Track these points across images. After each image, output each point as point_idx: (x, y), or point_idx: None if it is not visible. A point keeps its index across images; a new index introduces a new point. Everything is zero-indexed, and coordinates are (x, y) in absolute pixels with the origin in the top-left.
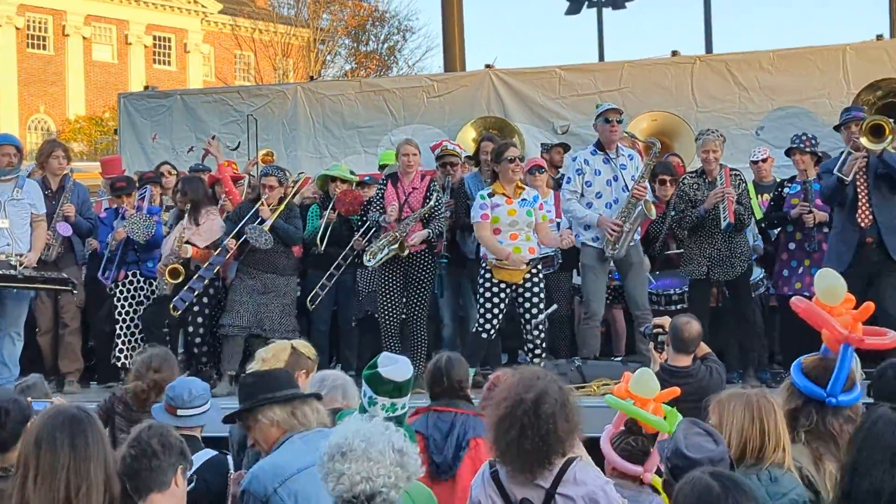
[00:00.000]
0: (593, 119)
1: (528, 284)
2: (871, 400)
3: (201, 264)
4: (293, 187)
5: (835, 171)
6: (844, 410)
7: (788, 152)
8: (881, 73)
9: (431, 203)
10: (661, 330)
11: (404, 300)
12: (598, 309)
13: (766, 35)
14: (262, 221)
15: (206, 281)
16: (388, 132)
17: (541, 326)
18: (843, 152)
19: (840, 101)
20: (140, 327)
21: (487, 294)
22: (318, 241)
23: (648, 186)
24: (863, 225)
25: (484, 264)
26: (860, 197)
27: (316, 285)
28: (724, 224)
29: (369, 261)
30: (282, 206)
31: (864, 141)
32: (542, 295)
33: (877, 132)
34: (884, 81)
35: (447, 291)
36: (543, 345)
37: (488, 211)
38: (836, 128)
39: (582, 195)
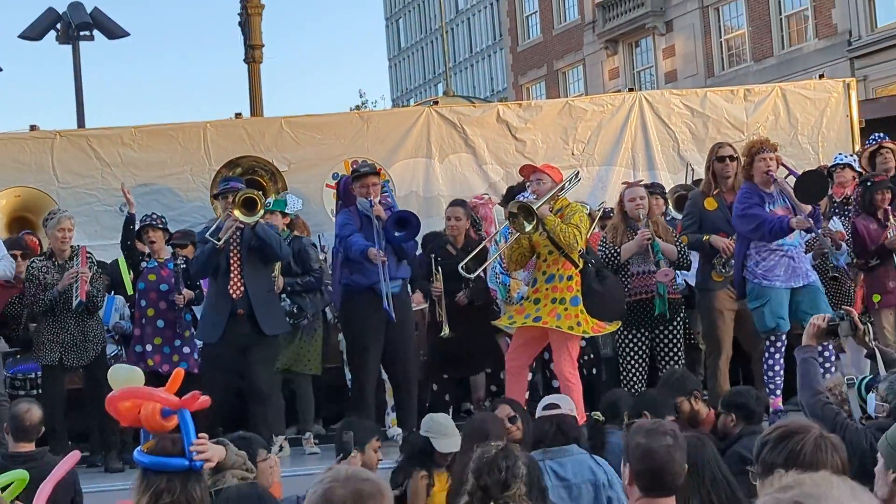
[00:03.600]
0: None
1: None
2: None
3: None
4: None
5: (207, 234)
6: None
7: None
8: (240, 150)
9: None
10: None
11: None
12: None
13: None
14: None
15: None
16: None
17: None
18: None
19: (202, 178)
20: None
21: None
22: None
23: None
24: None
25: None
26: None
27: None
28: (74, 303)
29: None
30: None
31: (237, 213)
32: None
33: (249, 205)
34: (243, 158)
35: None
36: None
37: None
38: (215, 196)
39: None
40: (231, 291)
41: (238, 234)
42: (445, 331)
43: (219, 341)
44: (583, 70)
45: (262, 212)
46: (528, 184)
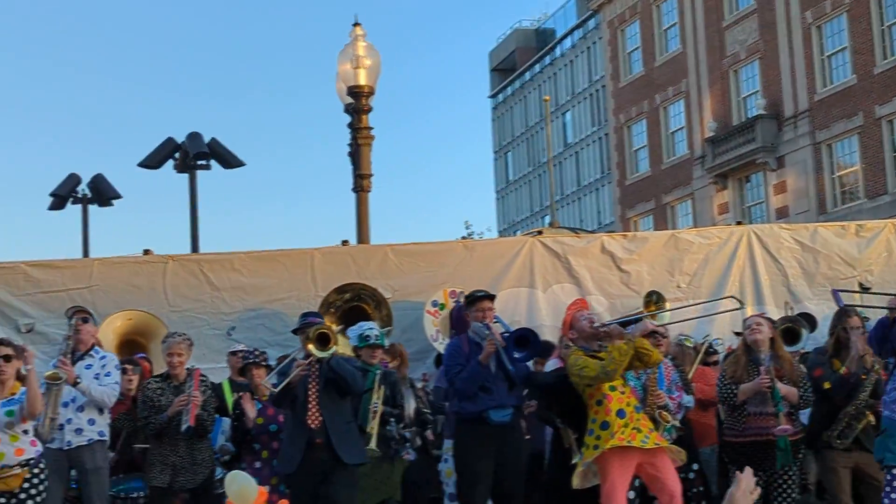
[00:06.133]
0: (60, 317)
1: (27, 486)
2: None
3: None
4: None
5: (277, 372)
6: None
7: (243, 369)
8: (346, 276)
9: None
10: None
11: None
12: None
13: (248, 237)
14: None
15: None
16: None
17: None
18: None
19: (308, 303)
20: None
21: None
22: None
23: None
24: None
25: None
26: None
27: None
28: (183, 427)
29: None
30: None
31: (311, 348)
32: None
33: (323, 340)
34: (349, 285)
35: None
36: None
37: None
38: (295, 331)
39: None
40: (309, 421)
41: (317, 365)
42: (576, 458)
43: (297, 470)
44: (691, 204)
45: (334, 347)
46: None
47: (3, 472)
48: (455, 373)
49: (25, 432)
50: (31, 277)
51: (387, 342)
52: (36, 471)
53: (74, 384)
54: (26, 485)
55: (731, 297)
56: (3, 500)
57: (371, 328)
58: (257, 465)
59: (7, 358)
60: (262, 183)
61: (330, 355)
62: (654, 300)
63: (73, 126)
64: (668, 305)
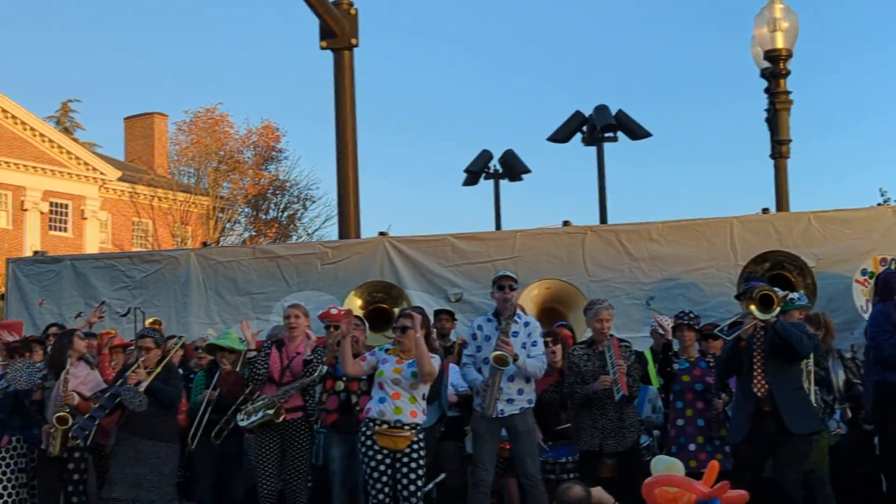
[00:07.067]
0: (486, 287)
1: (409, 451)
2: None
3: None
4: (173, 349)
5: (725, 330)
6: None
7: (674, 329)
8: (767, 245)
9: (314, 375)
10: None
11: (281, 469)
12: (485, 476)
13: (656, 207)
14: (139, 384)
15: (97, 421)
16: (281, 298)
17: (432, 495)
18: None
19: (728, 273)
20: (20, 494)
21: (370, 461)
22: (198, 422)
23: (511, 342)
24: (759, 394)
25: (365, 429)
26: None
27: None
28: (617, 396)
29: (242, 420)
30: (159, 368)
31: (753, 310)
32: (421, 462)
33: (766, 302)
34: (770, 254)
35: (340, 459)
36: None
37: (374, 359)
38: (738, 297)
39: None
40: (755, 389)
41: (761, 331)
42: None
43: (744, 439)
44: None
45: (777, 309)
46: None
47: (395, 431)
48: (883, 339)
49: (424, 397)
50: (457, 249)
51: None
52: (420, 435)
53: (514, 359)
54: (407, 450)
55: None
56: (387, 458)
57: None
58: (680, 422)
59: (403, 329)
60: (669, 152)
61: (774, 318)
62: None
63: (485, 105)
64: None
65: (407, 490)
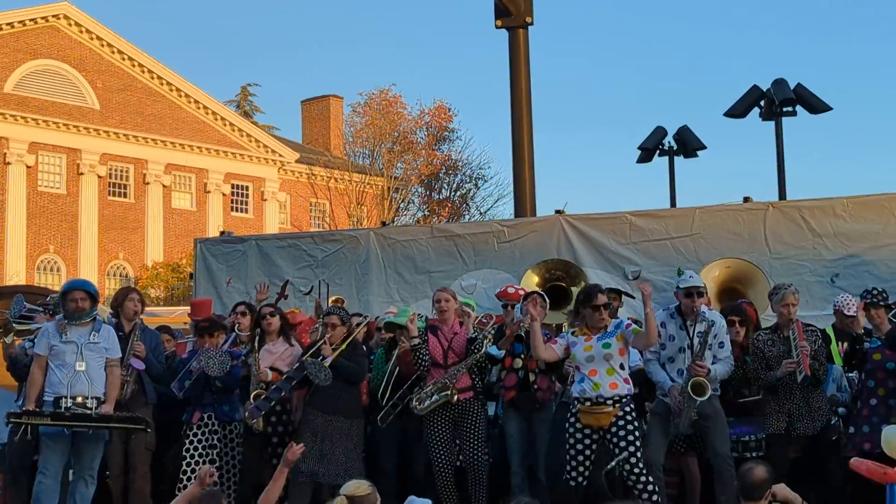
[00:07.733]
0: (664, 265)
1: (617, 428)
2: None
3: None
4: (357, 326)
5: None
6: None
7: (864, 307)
8: None
9: (481, 353)
10: None
11: (457, 446)
12: (655, 458)
13: (837, 183)
14: (324, 359)
15: (283, 393)
16: (458, 277)
17: (614, 473)
18: None
19: None
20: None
21: (572, 440)
22: (381, 397)
23: (708, 366)
24: None
25: (572, 408)
26: None
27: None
28: (800, 378)
29: (415, 407)
30: (344, 345)
31: None
32: (636, 434)
33: None
34: None
35: (516, 437)
36: (655, 488)
37: (564, 342)
38: None
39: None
40: None
41: None
42: None
43: None
44: None
45: None
46: None
47: (596, 408)
48: None
49: (622, 367)
50: (635, 226)
51: None
52: (627, 409)
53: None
54: (613, 428)
55: None
56: (587, 437)
57: None
58: (873, 402)
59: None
60: (850, 126)
61: None
62: None
63: (659, 81)
64: None
65: (624, 470)
